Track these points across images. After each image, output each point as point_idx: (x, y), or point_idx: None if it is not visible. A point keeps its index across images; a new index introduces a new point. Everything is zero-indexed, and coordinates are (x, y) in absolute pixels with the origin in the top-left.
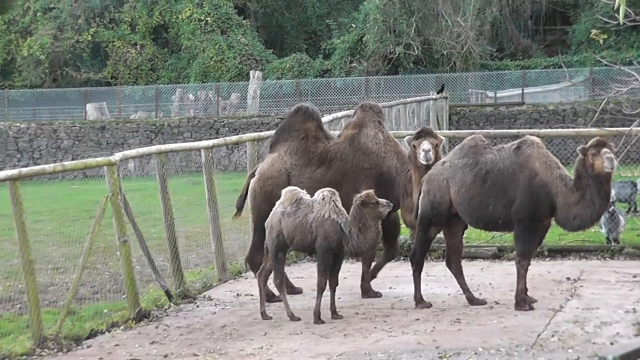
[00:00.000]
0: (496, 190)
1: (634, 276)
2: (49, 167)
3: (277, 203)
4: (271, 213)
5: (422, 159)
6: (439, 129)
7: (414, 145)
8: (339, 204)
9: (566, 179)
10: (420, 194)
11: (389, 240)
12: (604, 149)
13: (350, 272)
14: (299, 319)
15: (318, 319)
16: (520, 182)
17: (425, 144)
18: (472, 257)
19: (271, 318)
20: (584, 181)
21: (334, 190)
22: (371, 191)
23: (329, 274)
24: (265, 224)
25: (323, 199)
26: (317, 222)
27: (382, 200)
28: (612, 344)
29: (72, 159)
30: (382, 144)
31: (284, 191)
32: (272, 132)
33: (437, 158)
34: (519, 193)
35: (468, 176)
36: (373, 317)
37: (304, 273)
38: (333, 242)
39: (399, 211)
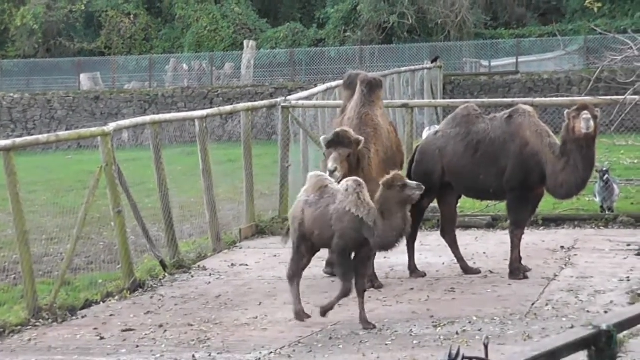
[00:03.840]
0: (487, 159)
1: (628, 245)
2: (42, 137)
3: (302, 190)
4: (295, 201)
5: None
6: (434, 98)
7: (324, 154)
8: (364, 196)
9: (555, 147)
10: None
11: None
12: (583, 112)
13: None
14: (309, 316)
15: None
16: (511, 151)
17: (331, 162)
18: (466, 227)
19: (310, 317)
20: (568, 146)
21: (360, 180)
22: (398, 172)
23: (352, 277)
24: (289, 213)
25: (347, 189)
26: (338, 215)
27: (412, 183)
28: (606, 312)
29: (66, 130)
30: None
31: (308, 176)
32: (266, 101)
33: (351, 166)
34: (510, 162)
35: (460, 145)
36: (367, 287)
37: None
38: (350, 242)
39: None
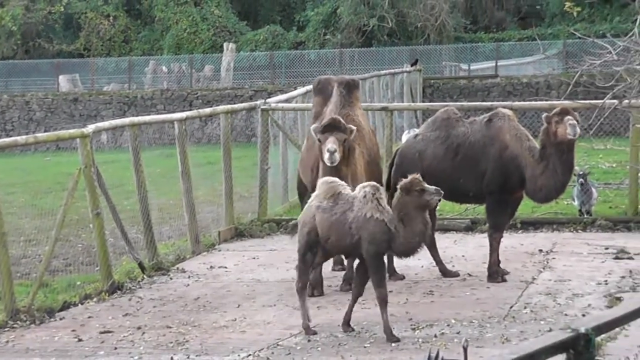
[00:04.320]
0: (467, 163)
1: (606, 248)
2: (21, 139)
3: (313, 195)
4: (305, 206)
5: (326, 161)
6: (413, 102)
7: (319, 140)
8: (383, 201)
9: (534, 151)
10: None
11: None
12: (567, 117)
13: None
14: (315, 333)
15: (392, 336)
16: (491, 154)
17: (330, 144)
18: (445, 230)
19: (316, 333)
20: (548, 150)
21: (377, 185)
22: (417, 176)
23: (386, 282)
24: (298, 219)
25: (365, 196)
26: (359, 222)
27: (430, 188)
28: (584, 315)
29: (45, 131)
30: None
31: (320, 182)
32: (246, 104)
33: (344, 154)
34: (490, 166)
35: (440, 149)
36: (346, 290)
37: (276, 245)
38: (382, 244)
39: None
